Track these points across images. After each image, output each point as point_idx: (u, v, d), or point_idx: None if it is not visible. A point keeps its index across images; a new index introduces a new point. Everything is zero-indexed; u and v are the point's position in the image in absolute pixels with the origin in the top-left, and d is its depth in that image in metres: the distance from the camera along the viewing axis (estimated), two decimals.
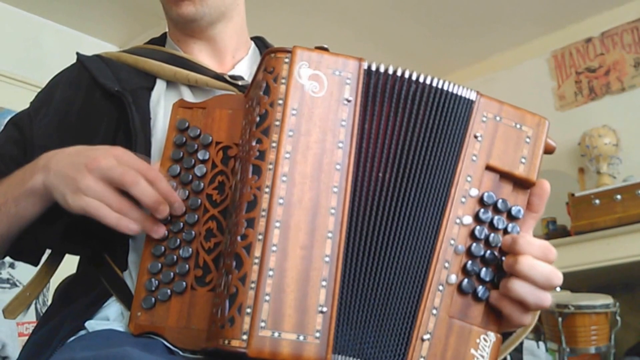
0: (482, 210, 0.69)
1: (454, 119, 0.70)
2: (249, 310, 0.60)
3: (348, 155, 0.66)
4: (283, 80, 0.67)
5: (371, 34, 3.16)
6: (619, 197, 2.46)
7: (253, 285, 0.61)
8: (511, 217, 0.70)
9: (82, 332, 0.75)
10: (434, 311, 0.66)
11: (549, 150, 0.73)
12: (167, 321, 0.68)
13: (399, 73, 0.70)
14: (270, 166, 0.64)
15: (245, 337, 0.60)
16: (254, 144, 0.66)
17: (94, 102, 0.88)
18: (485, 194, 0.69)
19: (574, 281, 2.50)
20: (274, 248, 0.62)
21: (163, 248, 0.71)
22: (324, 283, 0.62)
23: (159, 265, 0.70)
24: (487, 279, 0.68)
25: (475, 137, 0.70)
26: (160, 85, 0.90)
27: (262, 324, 0.60)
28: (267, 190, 0.64)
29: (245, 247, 0.63)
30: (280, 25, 2.95)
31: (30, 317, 2.54)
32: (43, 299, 2.57)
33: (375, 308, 0.65)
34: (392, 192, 0.68)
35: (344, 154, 0.66)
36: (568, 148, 2.96)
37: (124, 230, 0.69)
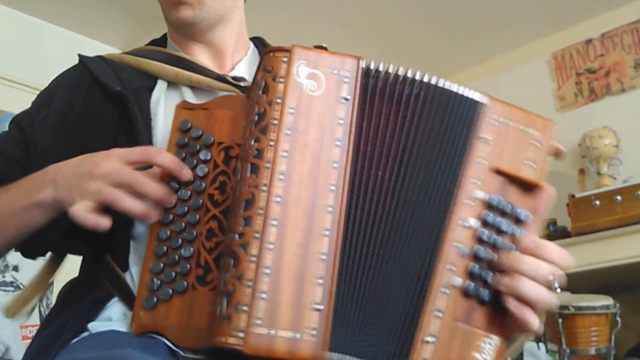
0: (488, 213, 0.69)
1: (459, 120, 0.70)
2: (245, 307, 0.61)
3: (345, 154, 0.67)
4: (281, 79, 0.67)
5: (372, 36, 3.17)
6: (619, 198, 2.46)
7: (249, 283, 0.61)
8: (518, 221, 0.70)
9: (85, 334, 0.75)
10: (439, 314, 0.66)
11: (556, 154, 0.72)
12: (168, 320, 0.69)
13: (398, 72, 0.70)
14: (268, 164, 0.65)
15: (241, 334, 0.60)
16: (252, 142, 0.67)
17: (95, 102, 0.89)
18: (492, 197, 0.69)
19: (575, 282, 2.49)
20: (271, 246, 0.62)
21: (165, 248, 0.71)
22: (320, 281, 0.63)
23: (161, 264, 0.71)
24: (492, 282, 0.68)
25: (482, 139, 0.70)
26: (160, 85, 0.91)
27: (258, 322, 0.60)
28: (264, 188, 0.64)
29: (242, 245, 0.63)
30: (281, 28, 2.96)
31: (33, 320, 2.55)
32: (47, 302, 2.58)
33: (372, 307, 0.65)
34: (392, 191, 0.68)
35: (341, 153, 0.67)
36: (568, 149, 2.96)
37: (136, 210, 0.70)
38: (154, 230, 0.72)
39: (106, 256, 0.81)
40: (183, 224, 0.72)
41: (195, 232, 0.71)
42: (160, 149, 0.73)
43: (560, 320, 2.06)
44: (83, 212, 0.70)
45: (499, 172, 0.70)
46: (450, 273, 0.67)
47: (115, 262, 0.80)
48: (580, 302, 2.10)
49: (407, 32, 3.18)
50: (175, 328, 0.68)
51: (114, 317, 0.77)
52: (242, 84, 0.92)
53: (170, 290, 0.69)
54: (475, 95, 0.71)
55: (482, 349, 0.66)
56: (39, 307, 2.61)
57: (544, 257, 0.69)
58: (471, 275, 0.67)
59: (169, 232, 0.72)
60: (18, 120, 0.93)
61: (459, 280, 0.67)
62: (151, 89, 0.90)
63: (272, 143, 0.65)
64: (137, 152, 0.72)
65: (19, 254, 0.89)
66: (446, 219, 0.68)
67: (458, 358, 0.65)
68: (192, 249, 0.71)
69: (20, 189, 0.80)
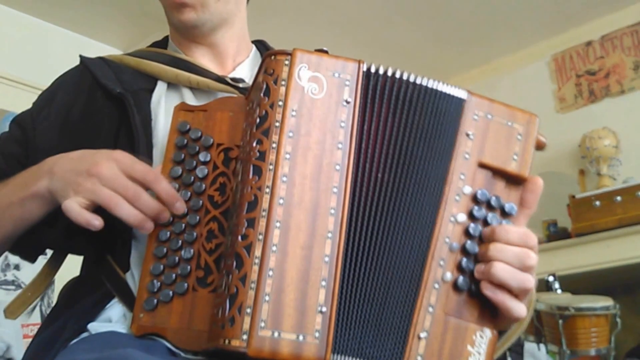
0: (475, 207, 0.70)
1: (445, 118, 0.71)
2: (249, 310, 0.61)
3: (347, 156, 0.67)
4: (283, 82, 0.67)
5: (373, 40, 3.17)
6: (618, 198, 2.47)
7: (253, 285, 0.61)
8: (505, 214, 0.71)
9: (85, 334, 0.75)
10: (430, 309, 0.66)
11: (539, 147, 0.73)
12: (169, 322, 0.69)
13: (397, 75, 0.71)
14: (271, 167, 0.65)
15: (245, 336, 0.60)
16: (254, 144, 0.67)
17: (96, 103, 0.89)
18: (479, 192, 0.70)
19: (575, 283, 2.49)
20: (274, 248, 0.63)
21: (165, 249, 0.71)
22: (323, 283, 0.63)
23: (161, 266, 0.71)
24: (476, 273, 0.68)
25: (467, 135, 0.71)
26: (161, 86, 0.91)
27: (262, 324, 0.60)
28: (267, 190, 0.64)
29: (246, 247, 0.63)
30: (282, 32, 2.96)
31: (34, 319, 2.55)
32: (48, 301, 2.58)
33: (374, 307, 0.66)
34: (391, 192, 0.69)
35: (343, 155, 0.67)
36: (568, 150, 2.96)
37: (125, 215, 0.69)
38: (153, 231, 0.72)
39: (107, 256, 0.81)
40: (183, 225, 0.72)
41: (195, 234, 0.71)
42: (161, 176, 0.72)
43: (560, 321, 2.06)
44: (76, 207, 0.69)
45: (485, 167, 0.71)
46: (441, 268, 0.68)
47: (116, 263, 0.80)
48: (581, 303, 2.11)
49: (408, 36, 3.18)
50: (175, 330, 0.68)
51: (113, 318, 0.77)
52: (240, 85, 0.92)
53: (171, 292, 0.69)
54: (457, 92, 0.72)
55: (475, 343, 0.67)
56: (40, 306, 2.61)
57: (525, 245, 0.69)
58: (460, 268, 0.68)
59: (168, 234, 0.72)
60: (19, 120, 0.94)
61: (449, 275, 0.68)
62: (151, 90, 0.90)
63: (274, 145, 0.66)
64: (139, 171, 0.71)
65: None
66: (437, 216, 0.69)
67: (451, 352, 0.66)
68: (192, 251, 0.71)
69: (16, 182, 0.79)
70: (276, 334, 0.61)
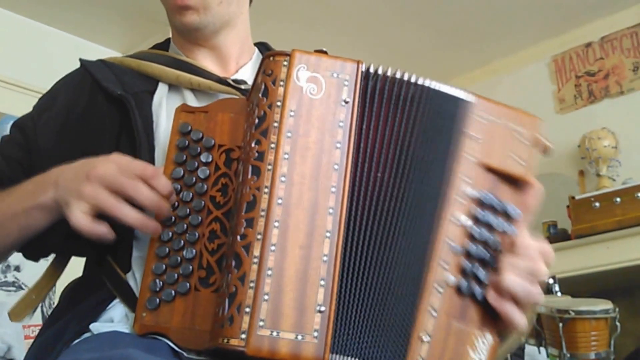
0: (479, 210, 0.69)
1: (449, 120, 0.71)
2: (247, 309, 0.61)
3: (346, 156, 0.67)
4: (281, 83, 0.68)
5: (373, 41, 3.17)
6: (618, 199, 2.46)
7: (252, 284, 0.62)
8: (508, 217, 0.70)
9: (87, 334, 0.75)
10: (434, 312, 0.66)
11: (545, 151, 0.73)
12: (171, 322, 0.69)
13: (396, 75, 0.71)
14: (269, 167, 0.65)
15: (244, 336, 0.60)
16: (253, 145, 0.67)
17: (97, 106, 0.89)
18: (482, 194, 0.70)
19: (575, 286, 2.49)
20: (273, 248, 0.63)
21: (167, 249, 0.71)
22: (322, 282, 0.63)
23: (163, 266, 0.71)
24: (485, 280, 0.68)
25: (472, 137, 0.71)
26: (162, 88, 0.91)
27: (261, 323, 0.61)
28: (266, 190, 0.65)
29: (245, 246, 0.63)
30: (284, 33, 2.96)
31: (36, 320, 2.55)
32: (49, 302, 2.58)
33: (373, 308, 0.66)
34: (391, 192, 0.69)
35: (341, 155, 0.67)
36: (568, 150, 2.96)
37: (130, 218, 0.69)
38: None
39: (108, 257, 0.81)
40: (185, 226, 0.72)
41: (197, 234, 0.71)
42: (160, 171, 0.73)
43: (560, 324, 2.05)
44: (81, 215, 0.70)
45: (488, 169, 0.71)
46: (443, 270, 0.67)
47: (117, 263, 0.80)
48: (580, 306, 2.10)
49: (408, 36, 3.18)
50: (177, 329, 0.69)
51: (115, 318, 0.77)
52: (242, 86, 0.92)
53: (173, 292, 0.70)
54: (462, 94, 0.72)
55: (476, 348, 0.67)
56: (42, 307, 2.61)
57: (529, 254, 0.69)
58: (463, 272, 0.68)
59: (170, 234, 0.72)
60: (20, 124, 0.94)
61: (452, 278, 0.68)
62: (152, 92, 0.90)
63: (273, 145, 0.66)
64: (137, 168, 0.72)
65: (20, 254, 0.89)
66: (439, 217, 0.68)
67: (453, 356, 0.66)
68: (194, 251, 0.71)
69: (23, 191, 0.80)
70: (275, 333, 0.61)
